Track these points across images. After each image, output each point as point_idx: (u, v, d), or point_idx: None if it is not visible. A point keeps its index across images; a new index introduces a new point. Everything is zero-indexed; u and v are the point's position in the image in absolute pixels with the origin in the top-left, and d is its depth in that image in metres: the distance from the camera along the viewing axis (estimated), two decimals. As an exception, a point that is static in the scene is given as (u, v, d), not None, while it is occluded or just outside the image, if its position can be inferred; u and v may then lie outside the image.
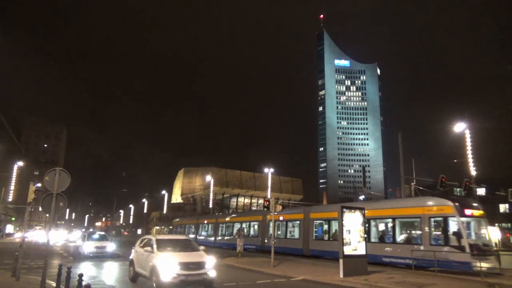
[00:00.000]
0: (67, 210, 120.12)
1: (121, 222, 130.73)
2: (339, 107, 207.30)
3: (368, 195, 72.26)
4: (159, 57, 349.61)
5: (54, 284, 10.22)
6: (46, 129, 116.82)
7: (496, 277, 14.14)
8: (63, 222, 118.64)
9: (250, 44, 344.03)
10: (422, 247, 17.29)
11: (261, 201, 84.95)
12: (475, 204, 17.62)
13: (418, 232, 18.24)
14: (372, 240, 20.08)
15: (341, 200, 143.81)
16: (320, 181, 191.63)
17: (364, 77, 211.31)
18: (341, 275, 14.24)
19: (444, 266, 15.86)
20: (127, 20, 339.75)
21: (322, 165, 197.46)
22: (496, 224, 47.33)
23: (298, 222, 27.94)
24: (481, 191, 27.38)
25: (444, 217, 16.88)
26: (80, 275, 8.36)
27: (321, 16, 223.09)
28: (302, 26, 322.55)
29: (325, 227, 25.27)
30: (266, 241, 30.51)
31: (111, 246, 24.32)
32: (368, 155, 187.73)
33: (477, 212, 17.25)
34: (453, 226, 16.57)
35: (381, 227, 21.09)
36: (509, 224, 63.33)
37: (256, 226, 33.56)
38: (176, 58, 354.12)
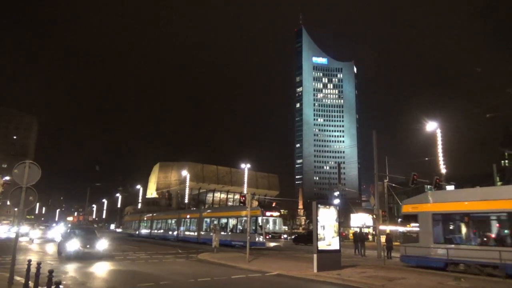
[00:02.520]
0: (37, 204, 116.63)
1: (93, 217, 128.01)
2: (316, 104, 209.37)
3: (343, 191, 73.54)
4: (132, 49, 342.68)
5: (23, 281, 9.92)
6: (15, 120, 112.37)
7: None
8: (32, 217, 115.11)
9: (228, 39, 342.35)
10: (212, 231, 28.58)
11: (237, 196, 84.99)
12: (275, 211, 33.24)
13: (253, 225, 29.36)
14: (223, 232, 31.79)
15: (316, 196, 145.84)
16: (296, 177, 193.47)
17: (341, 75, 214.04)
18: (315, 269, 14.48)
19: (252, 244, 23.86)
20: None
21: (299, 161, 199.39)
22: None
23: (195, 219, 39.49)
24: (450, 188, 28.26)
25: (256, 217, 29.42)
26: (50, 271, 8.13)
27: (300, 13, 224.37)
28: (281, 23, 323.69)
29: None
30: (202, 233, 36.88)
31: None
32: (343, 152, 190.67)
33: (275, 214, 32.21)
34: (259, 222, 29.34)
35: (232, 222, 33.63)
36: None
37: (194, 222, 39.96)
38: (155, 56, 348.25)
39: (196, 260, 19.96)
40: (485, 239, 15.28)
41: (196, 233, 38.10)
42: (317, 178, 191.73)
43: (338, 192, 69.29)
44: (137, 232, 53.38)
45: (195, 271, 15.37)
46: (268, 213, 31.19)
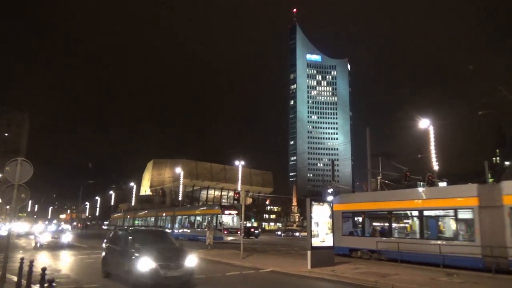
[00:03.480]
0: (30, 201, 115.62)
1: (87, 214, 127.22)
2: (310, 102, 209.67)
3: (337, 188, 73.84)
4: (125, 44, 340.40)
5: (15, 279, 9.85)
6: (6, 117, 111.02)
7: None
8: (25, 214, 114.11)
9: (221, 37, 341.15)
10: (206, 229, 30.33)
11: (231, 193, 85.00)
12: (233, 210, 37.07)
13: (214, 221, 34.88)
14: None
15: (310, 193, 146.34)
16: (290, 174, 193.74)
17: (335, 72, 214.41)
18: (309, 266, 14.55)
19: (216, 238, 28.77)
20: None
21: (292, 158, 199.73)
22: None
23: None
24: (442, 185, 28.54)
25: (216, 215, 35.57)
26: (43, 269, 8.09)
27: (294, 10, 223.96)
28: (275, 20, 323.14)
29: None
30: (175, 229, 41.69)
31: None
32: (337, 149, 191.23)
33: (233, 212, 36.59)
34: (219, 219, 34.96)
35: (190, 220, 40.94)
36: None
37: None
38: (149, 54, 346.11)
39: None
40: (372, 231, 19.71)
41: (170, 230, 41.71)
42: (311, 175, 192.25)
43: (332, 189, 69.48)
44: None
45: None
46: (227, 212, 36.07)
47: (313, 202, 15.75)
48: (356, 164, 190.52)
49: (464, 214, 15.97)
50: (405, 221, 19.42)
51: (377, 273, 13.46)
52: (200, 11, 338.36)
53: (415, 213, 17.99)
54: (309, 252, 14.85)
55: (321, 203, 16.26)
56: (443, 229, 17.20)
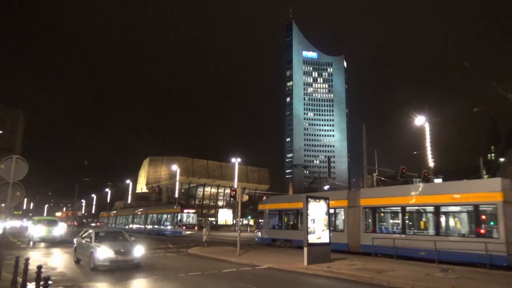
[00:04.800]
0: (25, 199, 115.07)
1: (83, 212, 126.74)
2: (306, 99, 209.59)
3: (333, 185, 74.03)
4: (122, 43, 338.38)
5: (10, 277, 9.80)
6: (1, 114, 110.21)
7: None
8: (20, 212, 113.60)
9: (217, 34, 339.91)
10: (170, 226, 40.82)
11: (227, 190, 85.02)
12: (191, 209, 43.60)
13: (174, 219, 40.36)
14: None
15: (306, 190, 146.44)
16: (287, 171, 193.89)
17: (331, 69, 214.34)
18: (305, 263, 14.59)
19: (176, 232, 38.15)
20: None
21: (289, 155, 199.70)
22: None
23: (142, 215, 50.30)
24: (438, 181, 28.68)
25: (177, 213, 39.99)
26: (39, 267, 8.06)
27: (290, 7, 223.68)
28: (271, 17, 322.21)
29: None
30: (148, 226, 46.96)
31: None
32: (333, 146, 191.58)
33: (191, 211, 42.20)
34: (179, 217, 39.68)
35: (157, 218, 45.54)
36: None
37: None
38: (146, 51, 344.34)
39: (186, 255, 19.96)
40: (287, 225, 25.16)
41: (143, 226, 47.61)
42: (307, 172, 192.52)
43: (328, 186, 69.70)
44: (108, 226, 64.47)
45: (186, 265, 15.38)
46: (185, 210, 41.31)
47: (309, 199, 15.76)
48: (352, 160, 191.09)
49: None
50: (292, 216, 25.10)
51: (373, 269, 13.53)
52: (196, 9, 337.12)
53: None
54: (305, 249, 14.88)
55: (317, 200, 16.27)
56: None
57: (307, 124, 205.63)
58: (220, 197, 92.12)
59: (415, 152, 32.34)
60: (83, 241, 15.17)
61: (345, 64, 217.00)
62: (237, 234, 19.97)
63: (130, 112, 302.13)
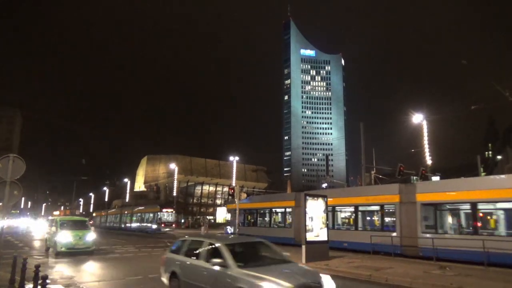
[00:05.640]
0: (23, 198, 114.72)
1: (80, 211, 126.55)
2: (304, 97, 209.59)
3: (331, 183, 74.11)
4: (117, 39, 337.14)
5: (8, 276, 9.77)
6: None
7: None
8: (18, 211, 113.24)
9: (215, 32, 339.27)
10: (151, 224, 44.45)
11: (226, 189, 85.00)
12: (170, 208, 45.63)
13: (154, 217, 44.01)
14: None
15: (304, 188, 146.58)
16: (285, 169, 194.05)
17: (329, 67, 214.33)
18: (303, 260, 14.59)
19: (156, 230, 41.40)
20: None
21: (287, 153, 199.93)
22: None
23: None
24: (435, 179, 28.72)
25: (157, 212, 43.10)
26: (37, 266, 8.04)
27: (288, 5, 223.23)
28: (269, 15, 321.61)
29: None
30: (133, 225, 50.48)
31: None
32: (331, 144, 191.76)
33: (169, 210, 44.60)
34: (159, 215, 42.87)
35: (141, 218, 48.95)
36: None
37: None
38: (144, 49, 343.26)
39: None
40: (253, 222, 28.52)
41: (130, 225, 51.14)
42: (305, 170, 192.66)
43: (326, 184, 69.73)
44: (101, 225, 67.49)
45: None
46: (164, 210, 44.51)
47: (307, 197, 15.75)
48: (350, 158, 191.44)
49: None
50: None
51: (371, 266, 13.55)
52: (193, 7, 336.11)
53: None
54: (303, 247, 14.90)
55: (315, 198, 16.26)
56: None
57: (305, 122, 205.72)
58: (218, 196, 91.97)
59: (412, 150, 32.42)
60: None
61: (342, 62, 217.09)
62: (236, 231, 19.96)
63: (128, 111, 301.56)
